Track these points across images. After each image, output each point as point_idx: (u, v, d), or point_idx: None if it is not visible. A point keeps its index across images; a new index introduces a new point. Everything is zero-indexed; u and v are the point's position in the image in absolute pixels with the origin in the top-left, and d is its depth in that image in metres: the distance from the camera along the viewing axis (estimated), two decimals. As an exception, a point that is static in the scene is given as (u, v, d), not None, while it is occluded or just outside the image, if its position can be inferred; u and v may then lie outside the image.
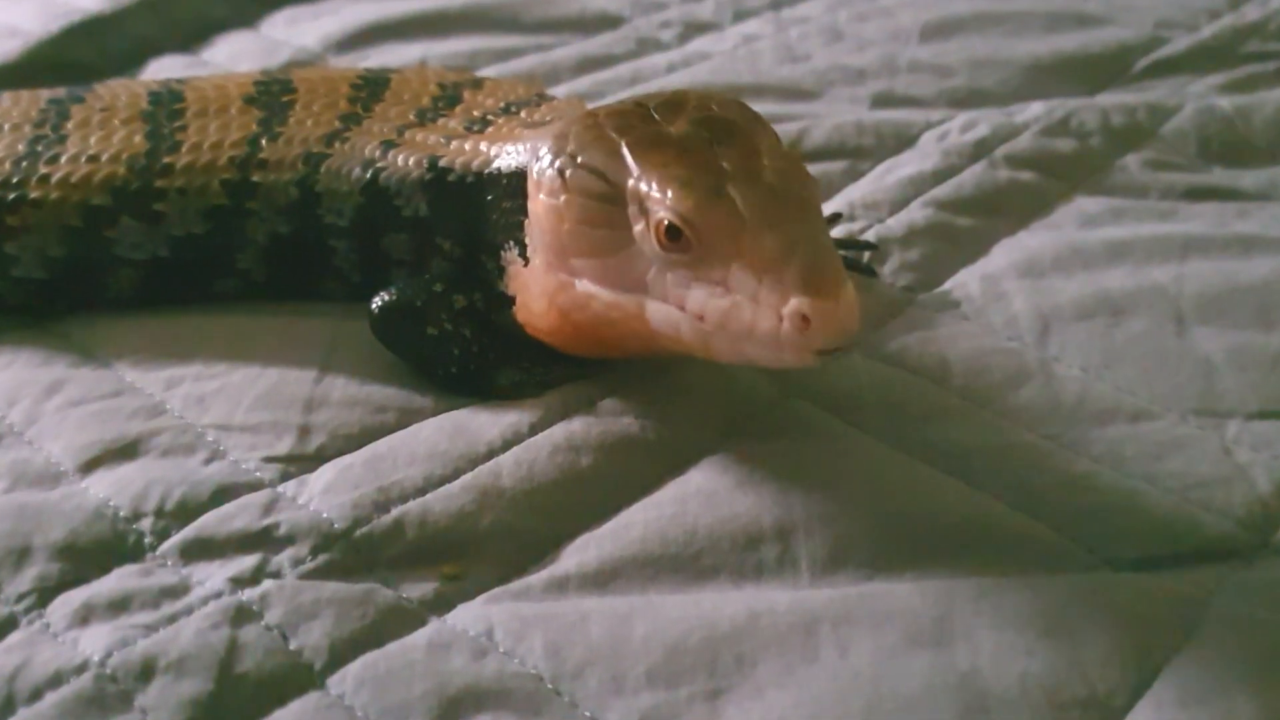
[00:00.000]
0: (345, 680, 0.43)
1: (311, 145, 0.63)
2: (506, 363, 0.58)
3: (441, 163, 0.60)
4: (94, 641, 0.44)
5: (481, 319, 0.59)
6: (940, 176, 0.76)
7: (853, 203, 0.73)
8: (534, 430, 0.54)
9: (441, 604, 0.47)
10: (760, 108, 0.55)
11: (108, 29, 0.99)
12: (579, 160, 0.51)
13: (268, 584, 0.47)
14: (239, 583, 0.47)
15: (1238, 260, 0.67)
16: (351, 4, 1.08)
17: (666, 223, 0.48)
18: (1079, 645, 0.44)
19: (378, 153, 0.62)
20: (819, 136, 0.81)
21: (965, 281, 0.66)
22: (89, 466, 0.53)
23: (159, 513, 0.50)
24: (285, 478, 0.52)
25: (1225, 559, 0.49)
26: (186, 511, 0.50)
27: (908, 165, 0.77)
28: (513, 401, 0.56)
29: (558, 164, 0.52)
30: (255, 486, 0.51)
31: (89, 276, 0.63)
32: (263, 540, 0.49)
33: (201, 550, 0.48)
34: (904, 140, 0.82)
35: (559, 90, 0.89)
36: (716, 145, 0.50)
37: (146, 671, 0.43)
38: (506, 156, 0.57)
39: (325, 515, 0.50)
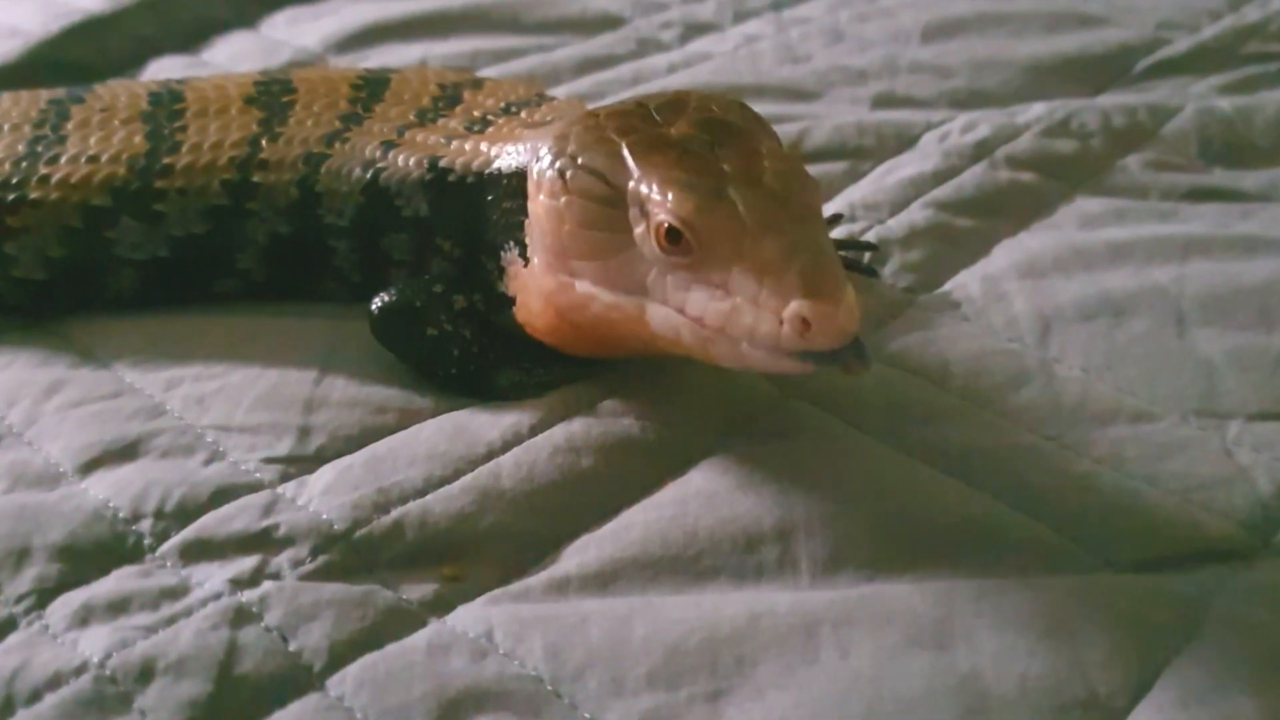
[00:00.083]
0: (345, 682, 0.43)
1: (312, 145, 0.63)
2: (506, 364, 0.58)
3: (442, 163, 0.59)
4: (93, 643, 0.44)
5: (481, 320, 0.59)
6: (941, 177, 0.76)
7: (853, 203, 0.73)
8: (534, 431, 0.54)
9: (441, 605, 0.47)
10: (761, 108, 0.55)
11: (108, 29, 0.99)
12: (580, 162, 0.51)
13: (267, 585, 0.47)
14: (238, 584, 0.47)
15: (1239, 261, 0.67)
16: (352, 4, 1.08)
17: (667, 225, 0.48)
18: (1080, 646, 0.44)
19: (378, 153, 0.61)
20: (820, 137, 0.81)
21: (966, 282, 0.66)
22: (88, 467, 0.53)
23: (158, 514, 0.50)
24: (285, 479, 0.52)
25: (1226, 560, 0.49)
26: (186, 513, 0.50)
27: (908, 166, 0.77)
28: (513, 402, 0.56)
29: (558, 165, 0.52)
30: (255, 487, 0.51)
31: (89, 277, 0.63)
32: (262, 541, 0.49)
33: (201, 551, 0.48)
34: (905, 141, 0.82)
35: (559, 91, 0.89)
36: (717, 147, 0.50)
37: (146, 673, 0.43)
38: (507, 157, 0.57)
39: (325, 516, 0.49)
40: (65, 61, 0.94)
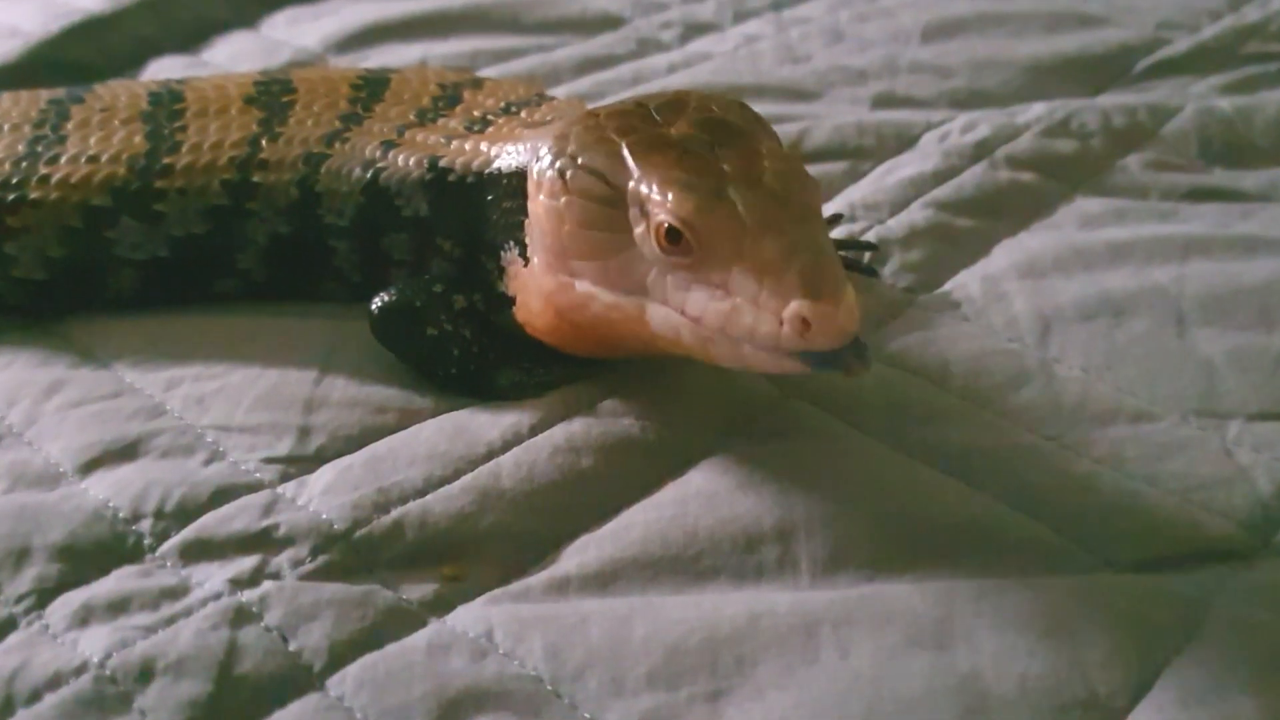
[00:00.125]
0: (345, 681, 0.43)
1: (312, 145, 0.63)
2: (506, 363, 0.58)
3: (442, 163, 0.59)
4: (93, 643, 0.44)
5: (481, 320, 0.59)
6: (941, 177, 0.76)
7: (853, 203, 0.73)
8: (534, 431, 0.54)
9: (441, 605, 0.47)
10: (761, 108, 0.55)
11: (108, 29, 0.99)
12: (580, 162, 0.51)
13: (267, 585, 0.47)
14: (238, 584, 0.47)
15: (1239, 261, 0.67)
16: (352, 4, 1.08)
17: (667, 226, 0.48)
18: (1080, 646, 0.44)
19: (378, 153, 0.61)
20: (820, 137, 0.81)
21: (966, 282, 0.66)
22: (88, 467, 0.53)
23: (158, 514, 0.50)
24: (285, 479, 0.52)
25: (1226, 560, 0.49)
26: (186, 512, 0.50)
27: (908, 166, 0.77)
28: (513, 402, 0.56)
29: (558, 165, 0.52)
30: (255, 487, 0.51)
31: (89, 277, 0.63)
32: (262, 541, 0.49)
33: (201, 551, 0.48)
34: (905, 141, 0.82)
35: (559, 91, 0.89)
36: (717, 147, 0.50)
37: (146, 673, 0.43)
38: (507, 156, 0.57)
39: (325, 516, 0.49)
40: (65, 61, 0.94)
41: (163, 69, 0.96)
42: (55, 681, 0.43)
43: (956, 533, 0.49)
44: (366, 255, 0.62)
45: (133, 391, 0.57)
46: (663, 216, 0.48)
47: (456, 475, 0.52)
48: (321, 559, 0.48)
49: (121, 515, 0.50)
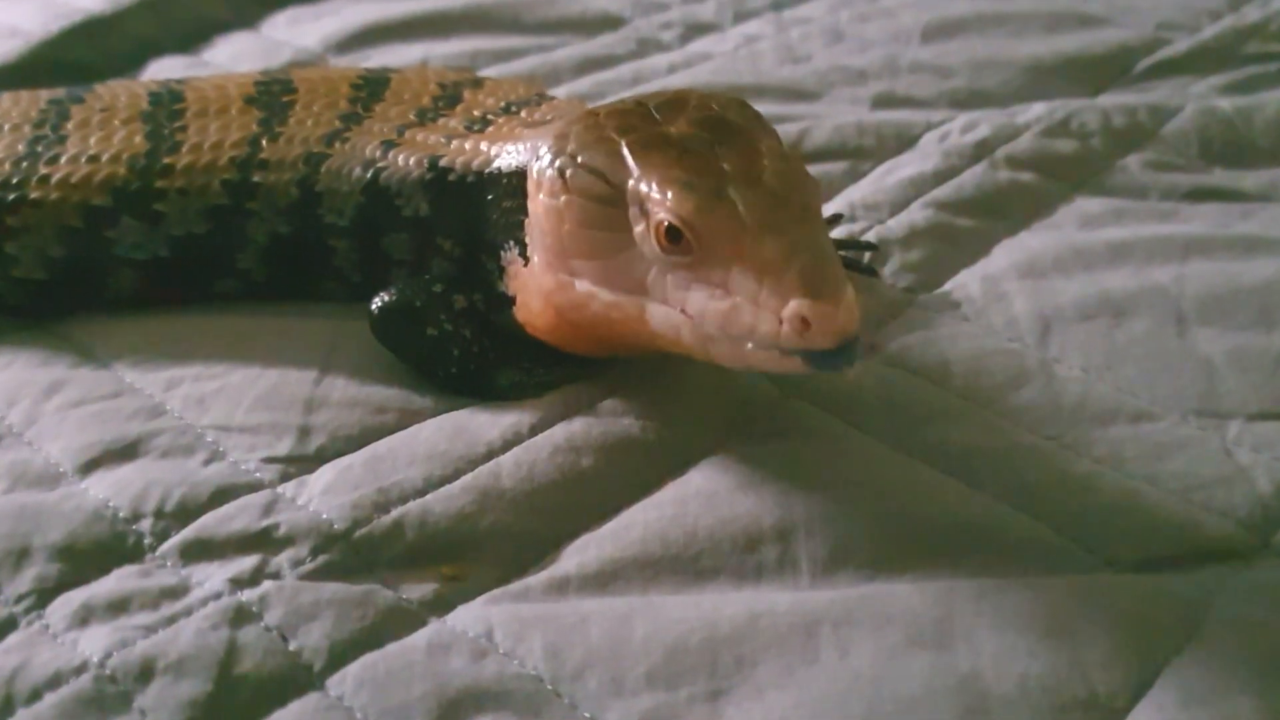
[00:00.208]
0: (345, 681, 0.43)
1: (312, 145, 0.63)
2: (506, 363, 0.58)
3: (442, 162, 0.59)
4: (93, 642, 0.44)
5: (482, 319, 0.59)
6: (941, 177, 0.76)
7: (853, 203, 0.73)
8: (534, 431, 0.54)
9: (441, 605, 0.47)
10: (761, 108, 0.55)
11: (108, 29, 0.99)
12: (579, 161, 0.51)
13: (267, 585, 0.47)
14: (238, 584, 0.47)
15: (1239, 261, 0.67)
16: (352, 4, 1.08)
17: (667, 225, 0.48)
18: (1080, 646, 0.44)
19: (378, 152, 0.61)
20: (820, 137, 0.81)
21: (966, 282, 0.66)
22: (88, 467, 0.53)
23: (158, 513, 0.50)
24: (285, 478, 0.52)
25: (1226, 560, 0.49)
26: (186, 512, 0.50)
27: (908, 166, 0.77)
28: (513, 402, 0.56)
29: (558, 164, 0.52)
30: (255, 487, 0.51)
31: (89, 277, 0.63)
32: (262, 541, 0.49)
33: (201, 551, 0.48)
34: (905, 141, 0.82)
35: (560, 91, 0.89)
36: (717, 146, 0.50)
37: (146, 672, 0.43)
38: (507, 156, 0.57)
39: (325, 516, 0.49)
40: (65, 62, 0.94)
41: (163, 69, 0.96)
42: (55, 681, 0.43)
43: (957, 532, 0.49)
44: (367, 255, 0.62)
45: (133, 391, 0.57)
46: (663, 215, 0.48)
47: (456, 475, 0.52)
48: (321, 559, 0.48)
49: (121, 515, 0.50)
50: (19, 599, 0.46)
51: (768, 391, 0.57)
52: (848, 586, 0.47)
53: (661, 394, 0.57)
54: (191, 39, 1.02)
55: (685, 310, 0.48)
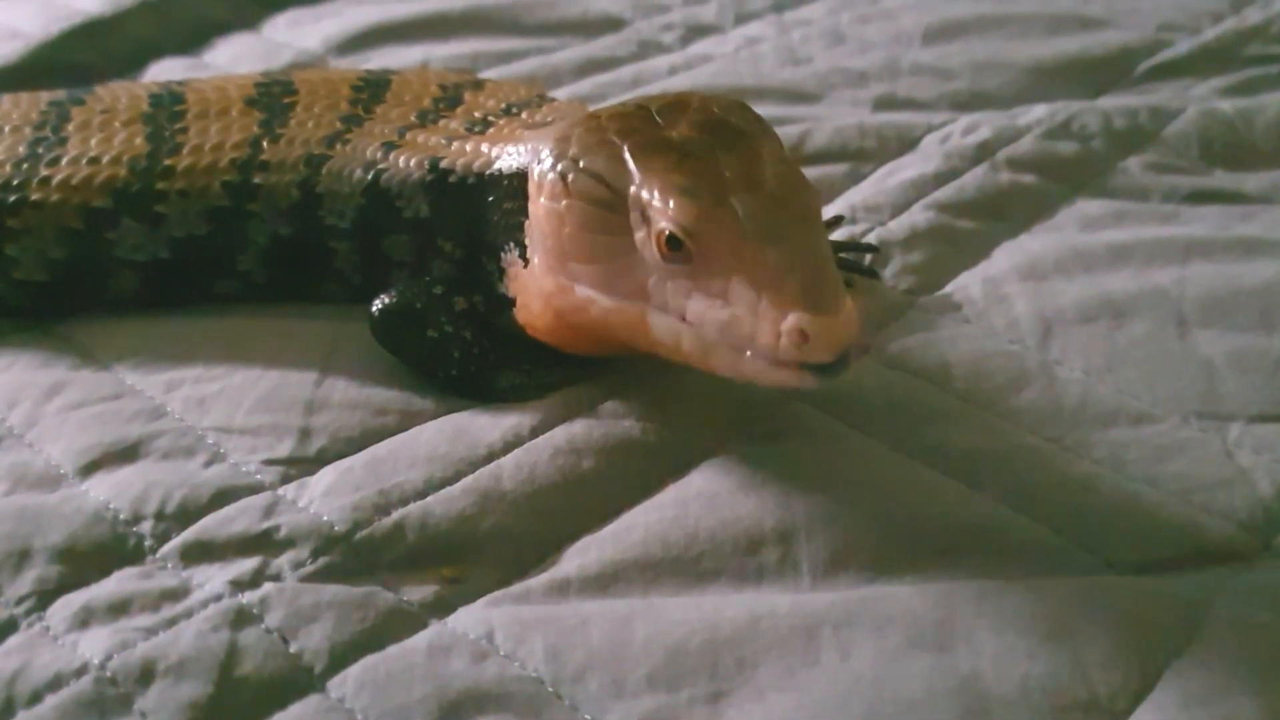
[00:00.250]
0: (345, 683, 0.43)
1: (313, 147, 0.63)
2: (507, 365, 0.58)
3: (443, 164, 0.59)
4: (94, 644, 0.44)
5: (482, 321, 0.59)
6: (942, 179, 0.76)
7: (854, 205, 0.73)
8: (535, 433, 0.54)
9: (442, 607, 0.47)
10: (762, 110, 0.55)
11: (108, 31, 0.99)
12: (581, 164, 0.51)
13: (268, 587, 0.47)
14: (239, 585, 0.47)
15: (1240, 263, 0.67)
16: (353, 6, 1.08)
17: (667, 232, 0.48)
18: (1081, 648, 0.44)
19: (379, 154, 0.61)
20: (821, 139, 0.81)
21: (967, 284, 0.66)
22: (89, 469, 0.53)
23: (159, 515, 0.50)
24: (285, 480, 0.52)
25: (1227, 562, 0.49)
26: (186, 514, 0.50)
27: (909, 168, 0.77)
28: (513, 404, 0.56)
29: (559, 167, 0.52)
30: (255, 489, 0.51)
31: (90, 278, 0.63)
32: (263, 543, 0.49)
33: (201, 553, 0.48)
34: (906, 143, 0.82)
35: (560, 93, 0.89)
36: (719, 150, 0.50)
37: (146, 674, 0.43)
38: (508, 158, 0.57)
39: (325, 518, 0.49)
40: (66, 63, 0.94)
41: (163, 71, 0.96)
42: (56, 683, 0.43)
43: (957, 534, 0.49)
44: (367, 257, 0.62)
45: (133, 393, 0.57)
46: (664, 224, 0.48)
47: (457, 477, 0.52)
48: (322, 560, 0.48)
49: (122, 517, 0.50)
50: (19, 601, 0.46)
51: (768, 393, 0.57)
52: (848, 588, 0.47)
53: (662, 396, 0.57)
54: (192, 40, 1.02)
55: (685, 318, 0.48)
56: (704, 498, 0.51)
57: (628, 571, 0.48)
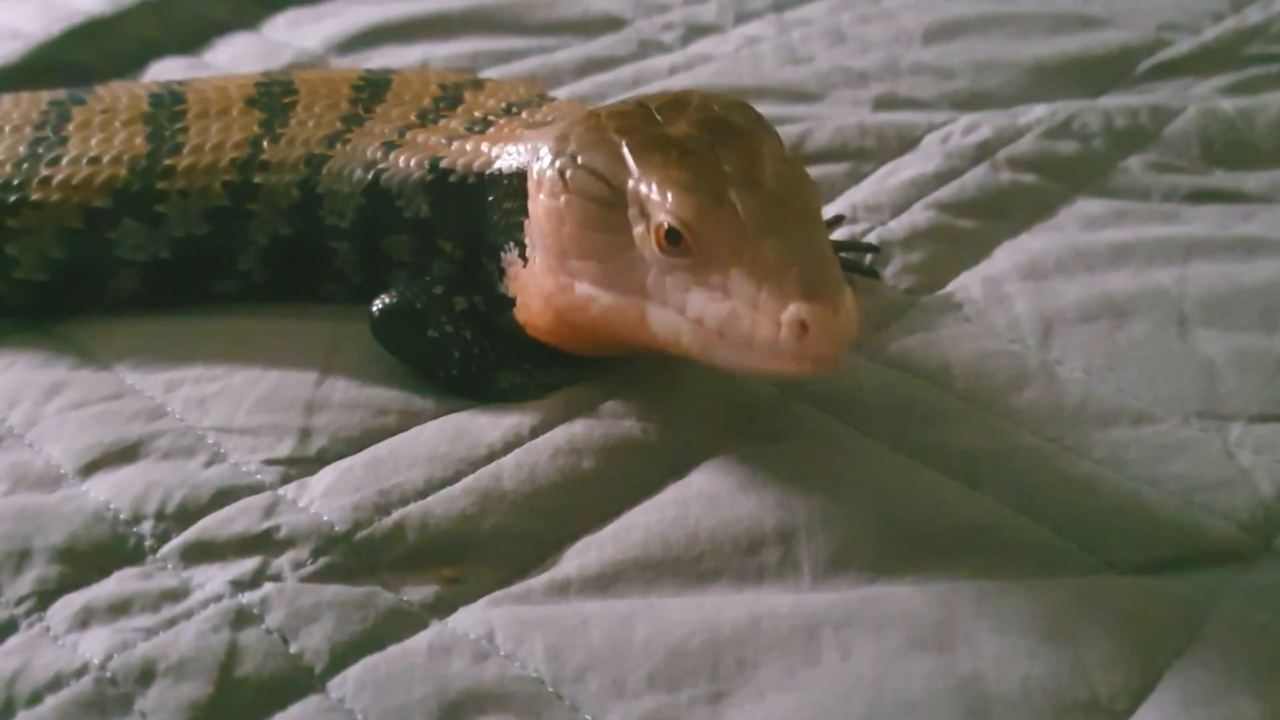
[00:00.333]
0: (346, 683, 0.43)
1: (313, 146, 0.63)
2: (507, 365, 0.58)
3: (443, 164, 0.59)
4: (94, 644, 0.44)
5: (482, 321, 0.59)
6: (942, 178, 0.76)
7: (855, 205, 0.73)
8: (535, 433, 0.54)
9: (442, 607, 0.47)
10: (762, 109, 0.55)
11: (109, 31, 0.99)
12: (580, 161, 0.51)
13: (268, 587, 0.47)
14: (239, 586, 0.47)
15: (1240, 263, 0.67)
16: (353, 6, 1.08)
17: (666, 227, 0.48)
18: (1081, 648, 0.44)
19: (379, 154, 0.61)
20: (821, 138, 0.81)
21: (967, 284, 0.66)
22: (89, 469, 0.53)
23: (159, 515, 0.50)
24: (286, 480, 0.52)
25: (1228, 562, 0.49)
26: (187, 514, 0.50)
27: (910, 167, 0.77)
28: (514, 404, 0.56)
29: (558, 165, 0.52)
30: (256, 489, 0.51)
31: (90, 278, 0.63)
32: (263, 543, 0.49)
33: (202, 553, 0.48)
34: (906, 142, 0.82)
35: (561, 92, 0.89)
36: (718, 147, 0.50)
37: (146, 675, 0.43)
38: (507, 157, 0.57)
39: (326, 518, 0.49)
40: (66, 63, 0.94)
41: (164, 70, 0.96)
42: (56, 683, 0.43)
43: (958, 534, 0.49)
44: (367, 256, 0.62)
45: (133, 393, 0.57)
46: (662, 217, 0.48)
47: (458, 477, 0.52)
48: (322, 561, 0.48)
49: (122, 517, 0.50)
50: (19, 601, 0.46)
51: (769, 393, 0.57)
52: (849, 588, 0.47)
53: (662, 396, 0.56)
54: (192, 40, 1.02)
55: (685, 312, 0.48)
56: (704, 498, 0.51)
57: (628, 572, 0.48)
